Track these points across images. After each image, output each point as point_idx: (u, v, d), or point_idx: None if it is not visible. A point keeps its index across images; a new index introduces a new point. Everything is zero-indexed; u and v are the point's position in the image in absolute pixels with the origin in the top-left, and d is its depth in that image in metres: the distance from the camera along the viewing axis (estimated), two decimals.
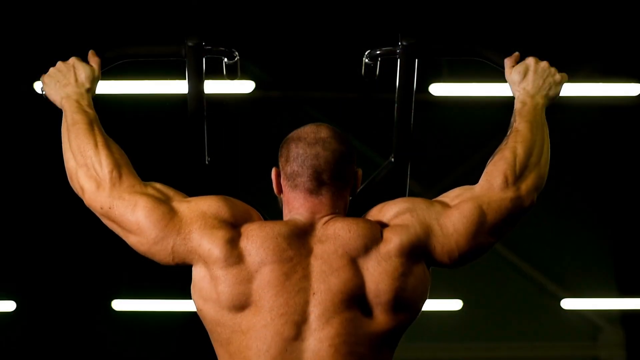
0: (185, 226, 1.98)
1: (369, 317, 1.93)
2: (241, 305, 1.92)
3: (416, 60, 2.27)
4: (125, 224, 2.01)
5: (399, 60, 2.27)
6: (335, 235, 1.97)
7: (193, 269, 1.98)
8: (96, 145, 2.07)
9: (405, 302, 1.95)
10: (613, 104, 6.78)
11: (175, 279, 7.37)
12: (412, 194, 2.28)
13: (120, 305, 7.44)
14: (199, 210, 1.99)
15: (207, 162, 2.32)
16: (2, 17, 6.01)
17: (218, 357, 2.00)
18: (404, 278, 1.95)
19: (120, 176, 2.03)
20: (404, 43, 2.26)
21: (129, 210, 2.00)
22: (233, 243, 1.95)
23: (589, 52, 6.38)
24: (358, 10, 6.16)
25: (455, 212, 2.01)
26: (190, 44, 2.25)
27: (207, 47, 2.26)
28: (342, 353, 1.89)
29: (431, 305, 7.51)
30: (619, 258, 7.51)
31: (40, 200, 6.99)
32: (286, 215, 2.07)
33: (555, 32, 6.17)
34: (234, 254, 1.94)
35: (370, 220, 2.02)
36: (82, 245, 7.18)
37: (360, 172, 2.11)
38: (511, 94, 2.25)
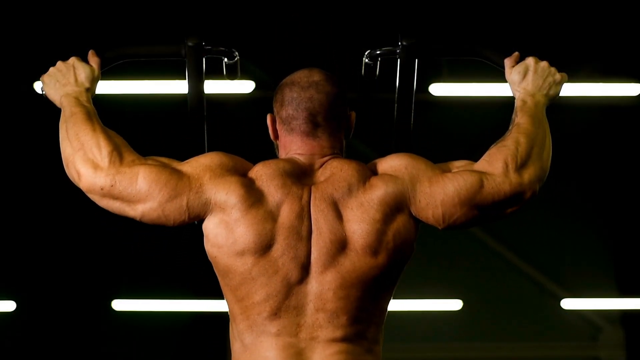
0: (194, 181, 2.01)
1: (358, 259, 1.97)
2: (256, 248, 1.96)
3: (416, 60, 2.27)
4: (130, 197, 2.01)
5: (399, 60, 2.28)
6: (331, 174, 2.04)
7: (206, 221, 2.01)
8: (94, 130, 2.08)
9: (387, 246, 1.98)
10: (613, 104, 6.78)
11: (175, 279, 7.39)
12: None
13: (120, 305, 7.44)
14: (203, 164, 2.03)
15: None
16: (2, 17, 6.01)
17: (227, 301, 2.04)
18: (385, 223, 1.98)
19: (120, 155, 2.05)
20: (404, 43, 2.26)
21: (133, 182, 2.01)
22: (247, 186, 2.00)
23: (589, 52, 6.38)
24: (358, 10, 6.16)
25: (449, 175, 2.04)
26: (190, 44, 2.25)
27: (207, 47, 2.26)
28: (340, 296, 1.96)
29: (431, 305, 7.52)
30: (619, 258, 7.51)
31: (40, 200, 6.99)
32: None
33: (555, 32, 6.17)
34: (251, 195, 1.99)
35: (363, 164, 2.07)
36: (82, 245, 7.18)
37: (353, 114, 2.16)
38: (511, 94, 2.25)
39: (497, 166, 2.04)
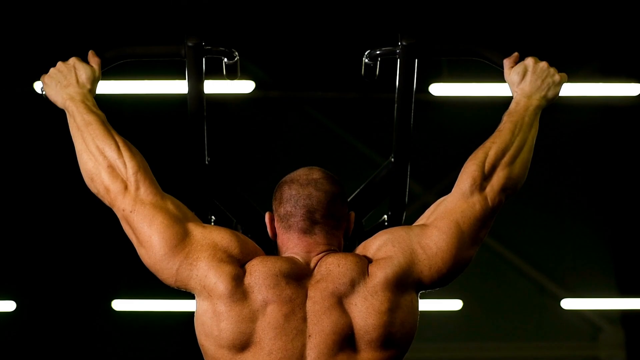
0: (194, 252, 1.98)
1: (361, 355, 1.93)
2: (241, 345, 1.92)
3: (416, 60, 2.26)
4: (139, 234, 2.00)
5: (399, 60, 2.27)
6: (328, 271, 1.97)
7: (196, 299, 1.98)
8: (118, 147, 2.06)
9: (394, 336, 1.94)
10: (613, 104, 6.79)
11: None
12: (412, 194, 2.29)
13: (120, 305, 7.44)
14: (211, 239, 1.99)
15: (207, 162, 2.32)
16: (2, 17, 6.01)
17: None
18: (392, 312, 1.94)
19: (144, 179, 2.03)
20: (404, 43, 2.25)
21: (146, 222, 1.99)
22: (239, 280, 1.95)
23: (589, 52, 6.38)
24: (358, 10, 6.16)
25: (434, 231, 2.02)
26: (190, 44, 2.24)
27: (207, 47, 2.25)
28: None
29: (431, 305, 7.52)
30: (619, 258, 7.52)
31: (40, 200, 6.99)
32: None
33: (555, 32, 6.18)
34: (239, 290, 1.94)
35: (359, 255, 2.01)
36: (82, 245, 7.18)
37: (352, 214, 2.11)
38: (511, 94, 2.25)
39: (465, 187, 2.05)
